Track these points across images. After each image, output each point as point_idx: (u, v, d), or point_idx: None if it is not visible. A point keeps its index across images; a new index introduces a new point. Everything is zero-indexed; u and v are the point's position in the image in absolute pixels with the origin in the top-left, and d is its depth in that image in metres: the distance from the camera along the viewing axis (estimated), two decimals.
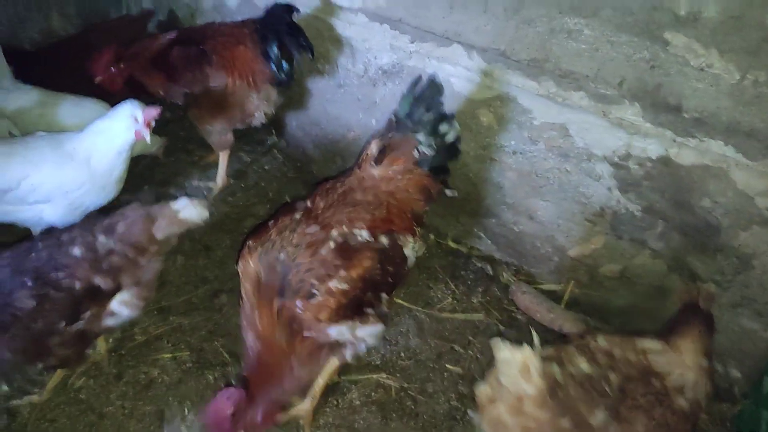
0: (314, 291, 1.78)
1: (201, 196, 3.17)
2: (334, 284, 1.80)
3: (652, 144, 2.26)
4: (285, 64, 2.94)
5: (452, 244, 3.06)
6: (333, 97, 3.27)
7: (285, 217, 1.97)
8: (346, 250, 1.87)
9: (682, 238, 2.35)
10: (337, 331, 1.85)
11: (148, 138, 2.37)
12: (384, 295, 1.97)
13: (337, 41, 3.05)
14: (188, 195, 2.57)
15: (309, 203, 2.03)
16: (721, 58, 2.00)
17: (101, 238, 2.01)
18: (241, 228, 3.00)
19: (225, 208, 3.14)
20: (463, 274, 2.91)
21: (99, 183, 2.38)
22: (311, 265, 1.80)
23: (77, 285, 1.92)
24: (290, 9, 2.84)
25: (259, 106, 3.06)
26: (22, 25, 3.44)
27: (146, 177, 3.21)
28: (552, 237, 2.78)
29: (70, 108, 2.89)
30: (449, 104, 2.55)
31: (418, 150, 2.06)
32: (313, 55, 2.93)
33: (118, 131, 2.35)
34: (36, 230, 2.38)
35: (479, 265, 2.97)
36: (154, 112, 2.34)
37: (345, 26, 2.97)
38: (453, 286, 2.82)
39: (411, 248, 2.06)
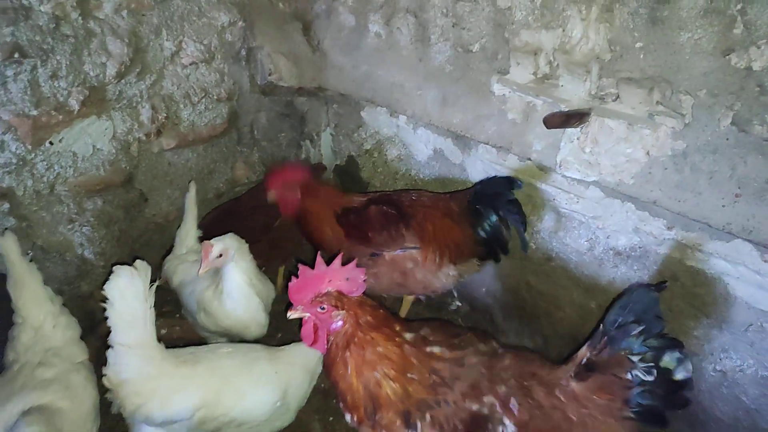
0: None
1: None
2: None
3: None
4: (498, 242, 2.46)
5: None
6: (539, 269, 2.72)
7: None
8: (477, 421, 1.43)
9: None
10: None
11: None
12: None
13: (555, 212, 2.53)
14: None
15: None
16: None
17: None
18: None
19: None
20: None
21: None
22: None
23: None
24: (512, 183, 2.38)
25: (448, 282, 2.58)
26: (210, 176, 3.31)
27: None
28: None
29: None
30: (722, 311, 1.94)
31: (630, 374, 1.47)
32: (525, 229, 2.43)
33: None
34: None
35: None
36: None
37: (572, 199, 2.45)
38: None
39: None
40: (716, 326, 2.13)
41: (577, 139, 2.32)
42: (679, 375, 1.46)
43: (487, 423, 1.45)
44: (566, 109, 2.26)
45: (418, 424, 1.49)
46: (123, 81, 2.71)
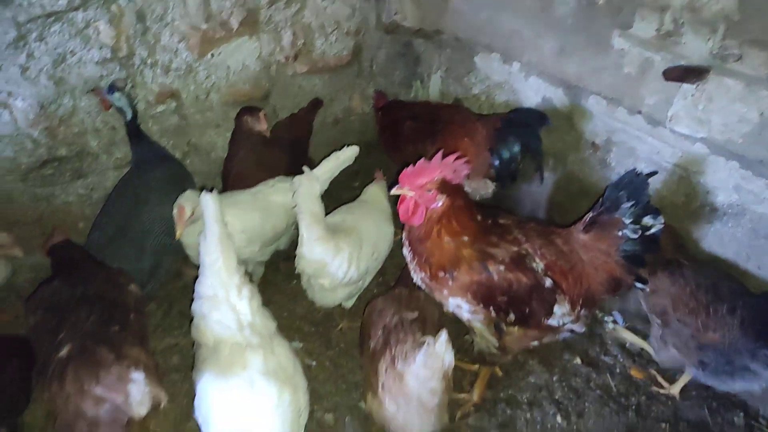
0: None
1: None
2: (490, 269, 1.93)
3: None
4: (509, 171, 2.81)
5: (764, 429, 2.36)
6: None
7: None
8: (518, 261, 1.96)
9: None
10: (454, 304, 2.02)
11: None
12: (510, 317, 2.00)
13: (658, 166, 2.62)
14: None
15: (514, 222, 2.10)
16: None
17: None
18: None
19: None
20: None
21: None
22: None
23: None
24: (543, 119, 2.70)
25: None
26: (331, 102, 3.59)
27: None
28: None
29: None
30: None
31: (621, 232, 1.97)
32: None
33: None
34: None
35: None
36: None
37: (675, 154, 2.53)
38: None
39: (562, 311, 2.02)
40: None
41: (692, 95, 2.39)
42: (654, 230, 1.95)
43: (525, 258, 1.98)
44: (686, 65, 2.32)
45: (486, 264, 1.96)
46: (273, 6, 2.99)
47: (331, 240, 2.26)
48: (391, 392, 1.89)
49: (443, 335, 1.81)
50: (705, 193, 2.47)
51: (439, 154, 1.92)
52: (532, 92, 3.16)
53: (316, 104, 3.24)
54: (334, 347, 2.54)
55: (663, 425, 2.32)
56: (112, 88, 2.55)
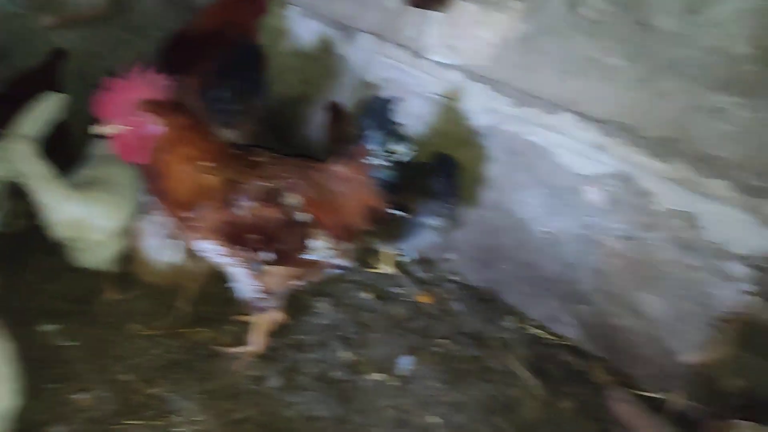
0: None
1: None
2: (239, 205, 1.81)
3: None
4: None
5: (537, 332, 2.57)
6: None
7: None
8: (270, 196, 1.85)
9: None
10: (205, 247, 1.88)
11: None
12: (266, 256, 1.89)
13: (423, 98, 2.67)
14: None
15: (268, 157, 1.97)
16: None
17: None
18: None
19: None
20: (548, 368, 2.42)
21: None
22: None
23: None
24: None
25: None
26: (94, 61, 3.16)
27: None
28: (659, 337, 2.29)
29: None
30: (547, 175, 2.25)
31: (372, 160, 1.96)
32: None
33: None
34: None
35: (567, 357, 2.48)
36: None
37: (436, 83, 2.59)
38: (536, 382, 2.32)
39: (321, 245, 1.95)
40: (546, 193, 2.39)
41: (442, 23, 2.44)
42: (404, 157, 1.97)
43: (277, 193, 1.86)
44: None
45: (235, 200, 1.81)
46: None
47: (78, 192, 1.97)
48: None
49: None
50: (467, 120, 2.57)
51: (133, 70, 1.66)
52: (310, 35, 3.06)
53: (58, 55, 2.80)
54: (97, 324, 2.25)
55: (444, 341, 2.41)
56: None
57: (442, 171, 2.40)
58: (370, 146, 1.94)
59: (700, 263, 2.08)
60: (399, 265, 2.76)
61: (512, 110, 2.38)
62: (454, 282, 2.76)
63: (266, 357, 2.20)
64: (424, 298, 2.63)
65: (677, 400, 2.23)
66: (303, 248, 1.92)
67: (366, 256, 2.70)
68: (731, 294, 2.05)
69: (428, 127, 2.67)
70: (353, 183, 1.98)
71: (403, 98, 2.09)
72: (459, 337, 2.44)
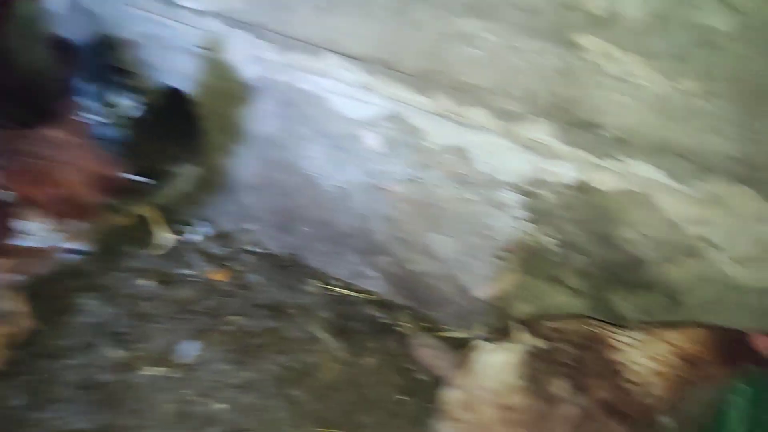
0: None
1: None
2: None
3: (566, 168, 1.82)
4: None
5: (343, 291, 2.45)
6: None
7: None
8: None
9: (604, 275, 1.93)
10: None
11: None
12: None
13: (184, 51, 2.36)
14: None
15: None
16: (644, 65, 1.60)
17: None
18: None
19: None
20: (352, 326, 2.30)
21: None
22: None
23: None
24: None
25: None
26: None
27: None
28: (454, 276, 2.28)
29: None
30: (325, 125, 2.06)
31: (92, 118, 1.73)
32: None
33: None
34: None
35: (372, 312, 2.39)
36: None
37: (196, 34, 2.29)
38: (339, 343, 2.19)
39: (39, 230, 1.66)
40: (328, 144, 2.24)
41: None
42: (132, 111, 1.77)
43: None
44: None
45: None
46: None
47: None
48: None
49: None
50: (234, 72, 2.31)
51: None
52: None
53: None
54: None
55: (236, 318, 2.19)
56: None
57: (174, 111, 2.10)
58: (82, 101, 1.61)
59: (477, 197, 2.06)
60: (181, 234, 2.47)
61: (278, 57, 2.16)
62: (253, 253, 2.54)
63: (5, 374, 1.82)
64: (218, 276, 2.38)
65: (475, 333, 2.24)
66: (8, 233, 1.56)
67: (138, 235, 2.37)
68: (509, 223, 2.06)
69: (197, 86, 2.37)
70: (70, 147, 1.66)
71: (129, 40, 1.83)
72: (253, 310, 2.24)
